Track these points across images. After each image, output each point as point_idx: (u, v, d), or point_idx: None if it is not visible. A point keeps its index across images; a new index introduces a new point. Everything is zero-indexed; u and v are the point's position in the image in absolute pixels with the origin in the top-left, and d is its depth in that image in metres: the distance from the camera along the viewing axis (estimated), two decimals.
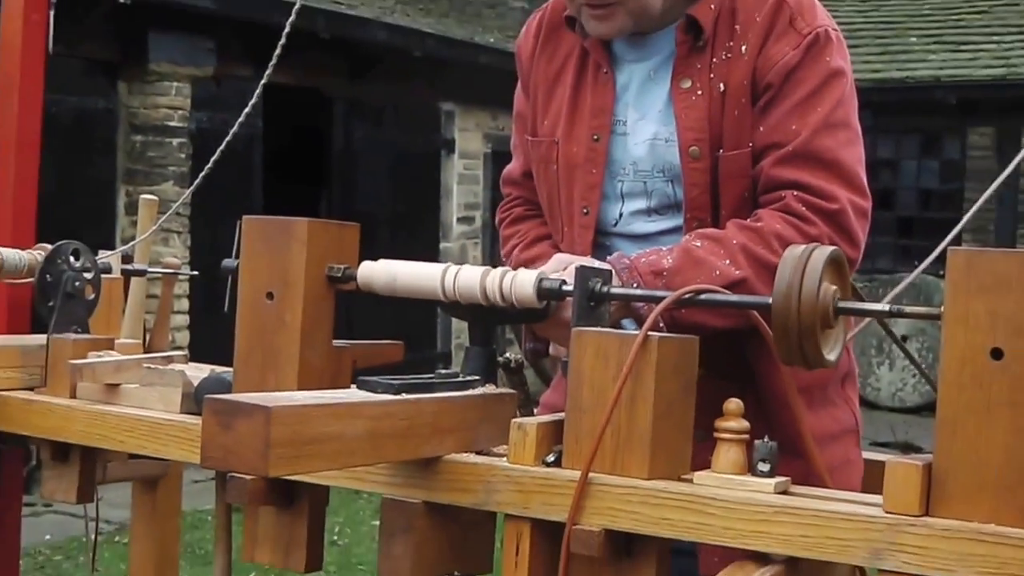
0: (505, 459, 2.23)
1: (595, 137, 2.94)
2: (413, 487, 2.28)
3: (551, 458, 2.20)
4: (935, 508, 1.95)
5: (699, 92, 2.84)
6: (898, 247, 18.81)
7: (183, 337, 11.56)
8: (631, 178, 2.93)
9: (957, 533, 1.91)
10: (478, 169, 16.48)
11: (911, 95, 17.47)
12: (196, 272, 3.64)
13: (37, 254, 3.16)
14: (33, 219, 3.60)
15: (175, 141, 12.30)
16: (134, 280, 3.45)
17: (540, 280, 2.34)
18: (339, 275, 2.44)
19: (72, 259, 3.09)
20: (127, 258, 3.43)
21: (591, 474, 2.12)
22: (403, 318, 13.07)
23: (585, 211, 2.95)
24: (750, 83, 2.81)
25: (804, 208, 2.72)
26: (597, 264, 2.50)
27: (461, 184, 16.25)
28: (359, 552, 8.99)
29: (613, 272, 2.46)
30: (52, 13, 3.63)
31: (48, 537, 8.65)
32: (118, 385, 2.83)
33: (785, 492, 2.10)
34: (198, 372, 2.79)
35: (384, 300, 2.56)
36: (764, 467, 2.11)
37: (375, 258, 2.52)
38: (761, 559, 2.06)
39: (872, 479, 2.73)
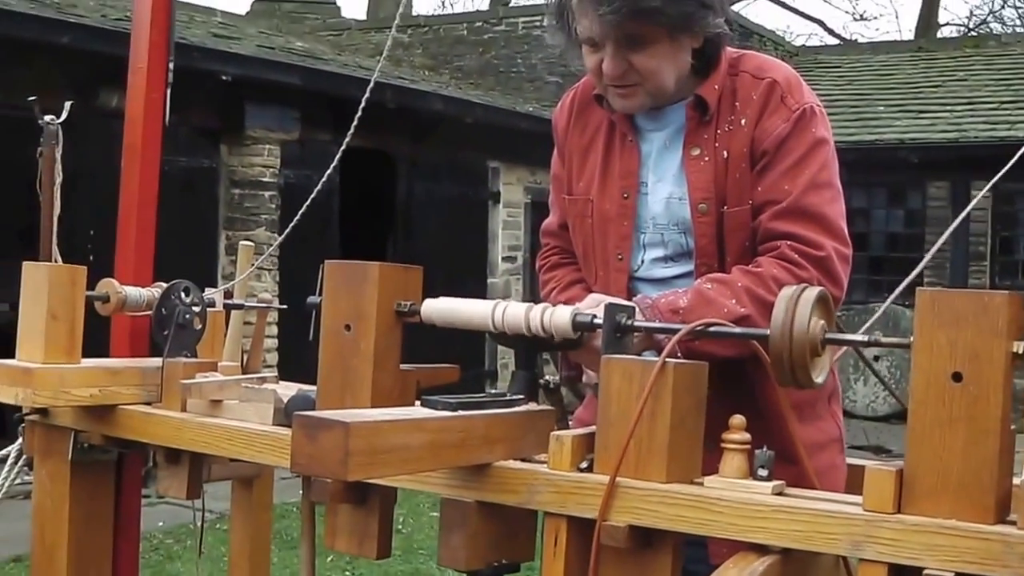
0: (545, 465, 2.22)
1: (624, 195, 2.94)
2: (467, 488, 2.28)
3: (584, 464, 2.19)
4: (906, 506, 1.95)
5: (706, 158, 2.84)
6: (870, 282, 18.75)
7: (273, 358, 11.56)
8: (651, 231, 2.93)
9: (924, 527, 1.90)
10: (520, 216, 16.47)
11: (879, 154, 17.41)
12: (285, 306, 3.63)
13: (154, 291, 3.17)
14: (151, 261, 3.61)
15: (266, 194, 12.35)
16: (233, 312, 3.46)
17: (575, 315, 2.34)
18: (406, 310, 2.44)
19: (183, 295, 3.10)
20: (228, 294, 3.44)
21: (618, 478, 2.11)
22: (456, 341, 13.12)
23: (619, 257, 2.96)
24: (749, 150, 2.81)
25: (796, 255, 2.72)
26: (623, 302, 2.49)
27: (505, 229, 16.25)
28: (419, 539, 8.96)
29: (637, 309, 2.46)
30: (168, 91, 3.64)
31: (161, 524, 8.68)
32: (221, 401, 2.84)
33: (781, 494, 2.09)
34: (287, 390, 2.79)
35: (441, 328, 2.55)
36: (763, 472, 2.10)
37: (433, 291, 2.52)
38: (761, 550, 2.06)
39: (854, 481, 2.72)
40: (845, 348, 2.38)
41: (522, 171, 16.41)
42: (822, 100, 2.94)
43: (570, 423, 2.55)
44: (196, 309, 3.11)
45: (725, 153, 2.83)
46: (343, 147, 3.28)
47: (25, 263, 3.02)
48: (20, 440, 3.22)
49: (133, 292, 3.18)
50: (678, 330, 2.24)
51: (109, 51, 9.67)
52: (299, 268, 9.62)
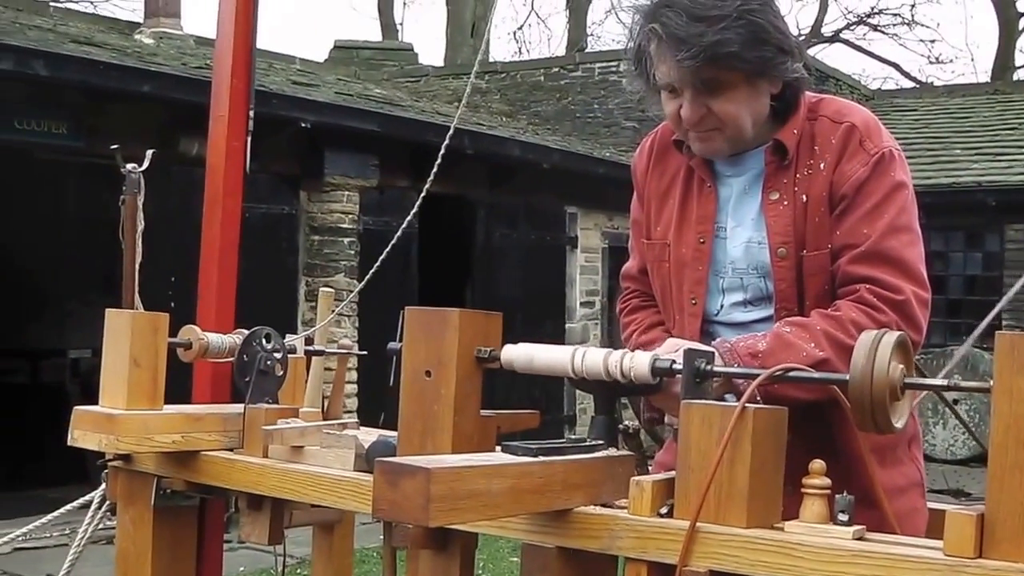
0: (626, 511, 2.22)
1: (701, 240, 2.95)
2: (548, 534, 2.28)
3: (664, 510, 2.19)
4: (987, 551, 1.93)
5: (785, 203, 2.85)
6: (948, 325, 18.54)
7: (352, 403, 11.61)
8: (730, 275, 2.94)
9: (1006, 572, 1.89)
10: (597, 261, 16.44)
11: (957, 198, 17.32)
12: (365, 352, 3.64)
13: (236, 337, 3.19)
14: (232, 308, 3.64)
15: (346, 240, 12.42)
16: (314, 358, 3.48)
17: (654, 360, 2.34)
18: (486, 356, 2.45)
19: (265, 342, 3.12)
20: (309, 340, 3.45)
21: (698, 523, 2.11)
22: (535, 385, 13.12)
23: (693, 301, 2.96)
24: (828, 195, 2.82)
25: (875, 299, 2.72)
26: (702, 347, 2.50)
27: (583, 274, 16.23)
28: None
29: (716, 354, 2.46)
30: (249, 139, 3.68)
31: (242, 569, 8.71)
32: (302, 447, 2.85)
33: (861, 539, 2.08)
34: (368, 436, 2.80)
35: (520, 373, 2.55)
36: (843, 517, 2.10)
37: (511, 336, 2.52)
38: None
39: (934, 526, 2.70)
40: (924, 392, 2.38)
41: (599, 216, 16.41)
42: (899, 143, 2.94)
43: (650, 467, 2.55)
44: (277, 356, 3.14)
45: (804, 197, 2.83)
46: (423, 194, 3.31)
47: (108, 311, 3.05)
48: (103, 486, 3.25)
49: (215, 339, 3.21)
50: (757, 374, 2.24)
51: (189, 99, 9.80)
52: (378, 313, 9.67)
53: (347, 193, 12.45)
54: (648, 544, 2.17)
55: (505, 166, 14.46)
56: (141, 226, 3.57)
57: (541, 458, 2.16)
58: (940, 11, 72.25)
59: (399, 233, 3.35)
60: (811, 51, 30.54)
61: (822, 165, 2.84)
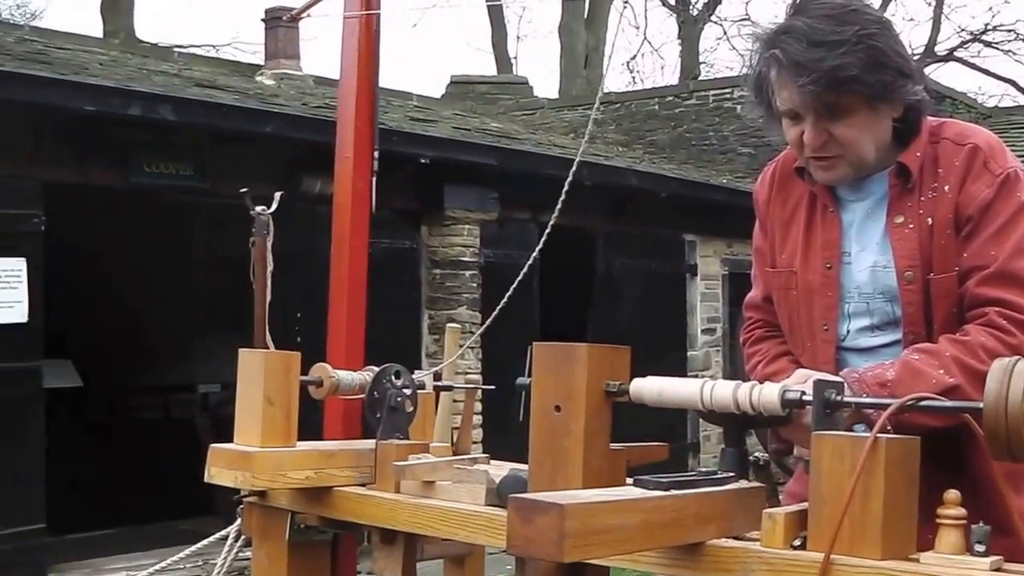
0: (758, 543, 2.20)
1: (828, 265, 2.93)
2: (680, 567, 2.26)
3: (797, 542, 2.16)
4: None
5: (911, 226, 2.83)
6: None
7: (477, 434, 11.64)
8: (856, 300, 2.92)
9: None
10: (718, 288, 16.39)
11: None
12: (493, 386, 3.65)
13: (366, 375, 3.21)
14: (362, 345, 3.68)
15: (467, 273, 12.46)
16: (443, 393, 3.49)
17: (784, 392, 2.32)
18: (615, 390, 2.43)
19: (394, 378, 3.14)
20: (437, 375, 3.47)
21: (832, 555, 2.08)
22: (660, 412, 13.04)
23: (825, 328, 2.95)
24: (953, 217, 2.79)
25: (1004, 322, 2.69)
26: (831, 377, 2.47)
27: (704, 302, 16.18)
28: None
29: (845, 384, 2.43)
30: (374, 179, 3.72)
31: None
32: (433, 482, 2.86)
33: (999, 569, 2.04)
34: (499, 471, 2.81)
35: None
36: (980, 548, 2.05)
37: (634, 364, 2.50)
38: None
39: None
40: None
41: (718, 243, 16.35)
42: (1020, 161, 2.91)
43: (780, 497, 2.52)
44: (407, 392, 3.15)
45: (929, 220, 2.81)
46: (548, 227, 3.31)
47: (241, 351, 3.09)
48: (239, 520, 3.29)
49: (345, 376, 3.23)
50: (888, 404, 2.21)
51: (311, 138, 9.93)
52: (502, 345, 9.69)
53: (467, 227, 12.52)
54: None
55: (623, 196, 14.47)
56: (271, 267, 3.61)
57: (673, 492, 2.15)
58: None
59: (525, 269, 3.36)
60: (926, 71, 30.23)
61: (946, 187, 2.81)
